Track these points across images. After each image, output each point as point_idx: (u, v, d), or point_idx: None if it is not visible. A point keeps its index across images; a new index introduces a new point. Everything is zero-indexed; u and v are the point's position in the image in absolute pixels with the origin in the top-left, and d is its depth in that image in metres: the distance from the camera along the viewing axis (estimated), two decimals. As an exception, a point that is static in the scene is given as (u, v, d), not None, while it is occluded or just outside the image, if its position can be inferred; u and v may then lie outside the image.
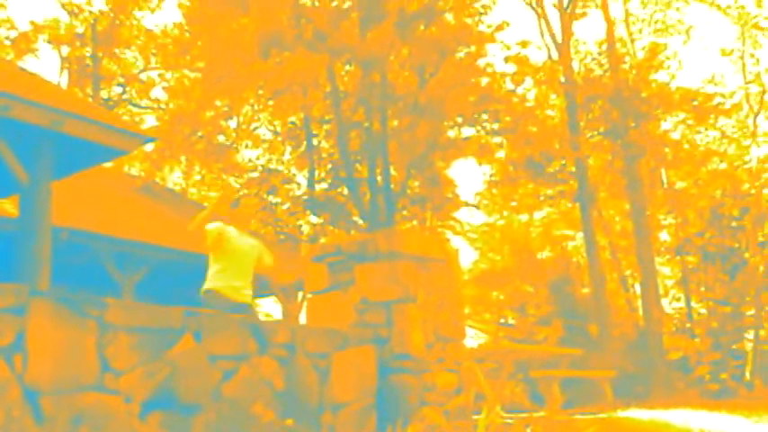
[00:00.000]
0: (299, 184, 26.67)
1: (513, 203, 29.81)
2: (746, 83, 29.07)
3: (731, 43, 30.24)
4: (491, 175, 28.15)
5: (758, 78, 29.13)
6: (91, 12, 27.99)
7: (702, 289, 27.71)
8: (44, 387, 4.60)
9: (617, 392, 14.93)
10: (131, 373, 5.04)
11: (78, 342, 4.84)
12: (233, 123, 26.86)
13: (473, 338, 28.67)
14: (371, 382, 6.72)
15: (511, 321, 28.82)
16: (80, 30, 28.14)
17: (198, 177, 29.55)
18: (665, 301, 28.79)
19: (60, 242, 10.64)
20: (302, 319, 16.70)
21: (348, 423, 6.39)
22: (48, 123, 8.39)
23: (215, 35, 20.77)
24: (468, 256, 35.62)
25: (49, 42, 27.94)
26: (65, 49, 28.39)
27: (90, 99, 26.52)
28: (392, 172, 22.91)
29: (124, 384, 4.98)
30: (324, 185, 25.79)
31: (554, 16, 26.01)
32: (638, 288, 28.30)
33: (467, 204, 28.06)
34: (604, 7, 26.37)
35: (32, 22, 27.37)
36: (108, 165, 15.13)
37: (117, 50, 28.96)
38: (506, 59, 24.39)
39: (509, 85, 24.69)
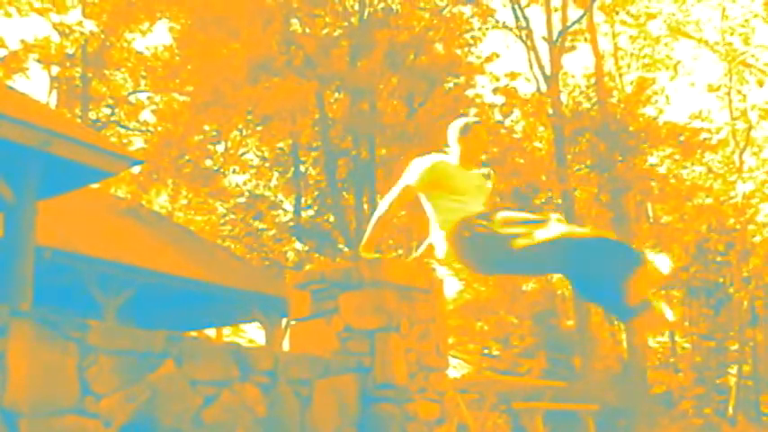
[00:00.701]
0: (285, 210, 26.65)
1: (500, 234, 29.76)
2: (733, 119, 29.28)
3: (718, 79, 30.49)
4: (478, 206, 28.14)
5: (744, 114, 29.35)
6: (82, 33, 27.98)
7: (687, 323, 27.77)
8: (23, 409, 4.56)
9: (600, 426, 14.92)
10: (111, 396, 5.00)
11: (59, 364, 4.81)
12: (221, 148, 26.87)
13: (456, 369, 28.57)
14: (353, 410, 6.69)
15: (495, 352, 28.75)
16: (71, 50, 28.14)
17: (184, 201, 29.48)
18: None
19: (43, 262, 10.57)
20: (285, 346, 16.64)
21: (329, 451, 6.36)
22: (35, 143, 8.37)
23: (205, 59, 20.82)
24: (452, 287, 35.55)
25: (39, 62, 27.89)
26: (54, 69, 28.37)
27: (78, 120, 26.47)
28: (379, 200, 22.94)
29: (104, 408, 4.94)
30: (310, 212, 25.78)
31: (543, 49, 26.16)
32: (622, 321, 28.32)
33: (453, 234, 28.02)
34: (593, 41, 26.56)
35: (23, 42, 27.36)
36: (95, 186, 15.11)
37: (107, 72, 28.95)
38: (495, 91, 24.51)
39: (497, 117, 24.82)
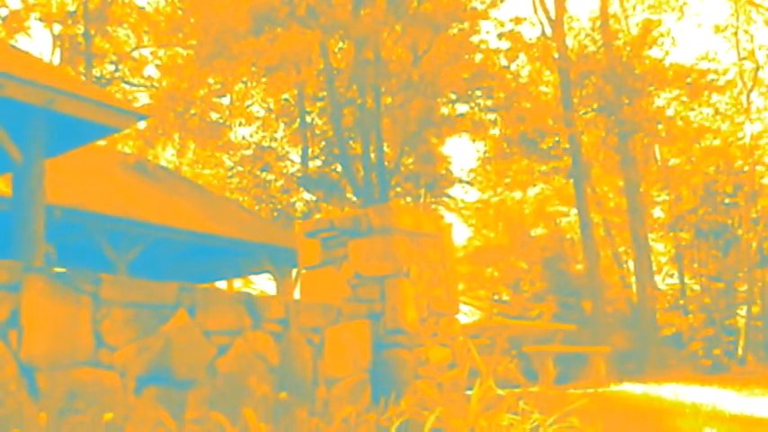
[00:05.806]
0: (292, 161, 26.68)
1: (507, 180, 29.82)
2: (740, 59, 29.05)
3: (725, 20, 30.16)
4: (485, 152, 28.16)
5: (752, 55, 29.11)
6: (83, -11, 27.85)
7: (696, 265, 27.82)
8: (39, 363, 4.62)
9: (610, 368, 15.03)
10: (126, 348, 5.06)
11: (73, 318, 4.86)
12: (226, 101, 26.82)
13: (468, 315, 28.77)
14: (366, 356, 6.75)
15: (505, 298, 28.89)
16: (72, 8, 27.99)
17: (191, 155, 29.51)
18: (658, 278, 28.89)
19: (54, 220, 10.63)
20: (296, 294, 16.73)
21: (342, 397, 6.43)
22: (40, 101, 8.36)
23: (207, 12, 20.70)
24: (462, 233, 35.66)
25: (40, 20, 27.77)
26: (57, 28, 28.24)
27: (82, 77, 26.42)
28: (386, 149, 22.93)
29: (119, 360, 5.01)
30: (317, 162, 25.80)
31: (548, -8, 25.93)
32: (631, 264, 28.40)
33: (460, 181, 28.11)
34: (598, -17, 26.32)
35: (24, 1, 27.22)
36: (101, 142, 15.12)
37: (109, 28, 28.80)
38: (500, 36, 24.36)
39: (503, 62, 24.69)
